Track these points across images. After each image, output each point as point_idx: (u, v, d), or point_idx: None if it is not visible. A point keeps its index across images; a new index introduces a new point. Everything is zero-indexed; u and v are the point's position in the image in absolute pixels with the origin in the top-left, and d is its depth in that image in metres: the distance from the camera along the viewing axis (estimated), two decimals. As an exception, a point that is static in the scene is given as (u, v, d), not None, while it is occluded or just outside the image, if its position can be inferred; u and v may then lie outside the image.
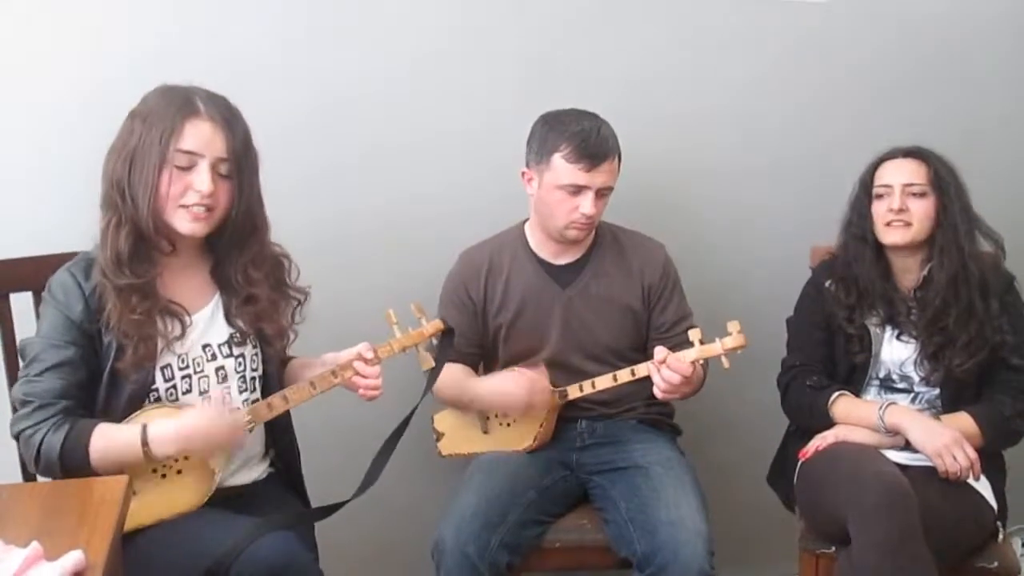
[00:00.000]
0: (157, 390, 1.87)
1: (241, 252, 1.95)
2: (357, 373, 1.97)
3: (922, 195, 2.24)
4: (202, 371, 1.92)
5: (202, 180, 1.83)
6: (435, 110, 2.56)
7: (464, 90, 2.57)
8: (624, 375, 2.24)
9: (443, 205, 2.59)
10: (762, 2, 2.65)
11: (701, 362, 2.16)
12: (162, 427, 1.78)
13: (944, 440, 2.10)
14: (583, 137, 2.23)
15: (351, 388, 2.00)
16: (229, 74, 2.28)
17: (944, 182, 2.24)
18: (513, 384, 2.28)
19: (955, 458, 2.08)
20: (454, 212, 2.59)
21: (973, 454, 2.10)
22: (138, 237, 1.84)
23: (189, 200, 1.84)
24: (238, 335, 1.97)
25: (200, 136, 1.83)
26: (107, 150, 1.86)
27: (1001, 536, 2.17)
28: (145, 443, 1.76)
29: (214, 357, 1.94)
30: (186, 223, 1.85)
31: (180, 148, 1.82)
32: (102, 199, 1.86)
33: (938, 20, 2.73)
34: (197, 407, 1.85)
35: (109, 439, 1.77)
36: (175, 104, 1.84)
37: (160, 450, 1.77)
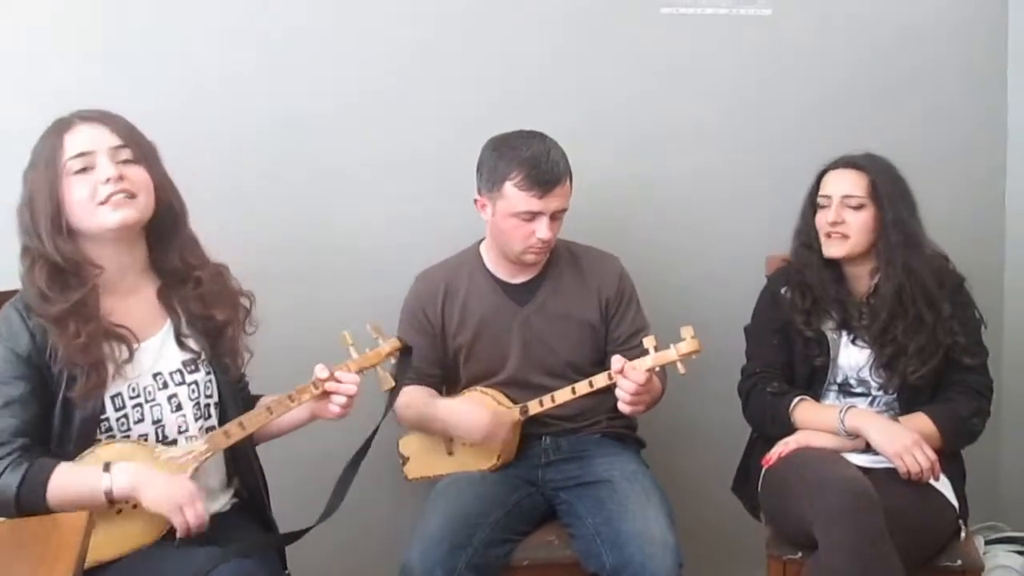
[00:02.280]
0: (108, 419, 1.85)
1: (172, 238, 1.94)
2: (315, 396, 1.95)
3: (859, 207, 2.25)
4: (154, 399, 1.90)
5: (105, 169, 1.82)
6: (392, 132, 2.57)
7: (421, 112, 2.58)
8: (583, 387, 2.23)
9: (399, 227, 2.59)
10: (708, 17, 2.68)
11: (657, 369, 2.16)
12: (127, 480, 1.76)
13: (904, 442, 2.12)
14: (534, 163, 2.22)
15: (317, 414, 2.00)
16: (185, 96, 2.37)
17: (882, 194, 2.24)
18: (476, 413, 2.27)
19: (915, 459, 2.10)
20: (410, 234, 2.59)
21: (932, 455, 2.12)
22: (53, 268, 1.82)
23: (102, 194, 1.82)
24: (191, 361, 1.95)
25: (83, 137, 1.84)
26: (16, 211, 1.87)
27: (963, 535, 2.19)
28: (110, 498, 1.75)
29: (165, 385, 1.92)
30: (112, 215, 1.82)
31: (68, 157, 1.82)
32: (20, 252, 1.86)
33: (884, 27, 2.78)
34: (162, 479, 1.80)
35: (68, 483, 1.75)
36: (51, 132, 1.86)
37: (122, 496, 1.76)
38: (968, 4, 2.85)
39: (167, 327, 1.95)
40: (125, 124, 1.88)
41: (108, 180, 1.81)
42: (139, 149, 1.87)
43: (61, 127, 1.85)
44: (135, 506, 1.80)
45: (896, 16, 2.78)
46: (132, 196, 1.83)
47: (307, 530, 1.96)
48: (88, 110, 1.88)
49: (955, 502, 2.18)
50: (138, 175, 1.85)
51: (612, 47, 2.66)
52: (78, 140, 1.83)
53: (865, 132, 2.57)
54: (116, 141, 1.84)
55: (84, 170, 1.82)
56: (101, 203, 1.82)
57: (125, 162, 1.85)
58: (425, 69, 2.57)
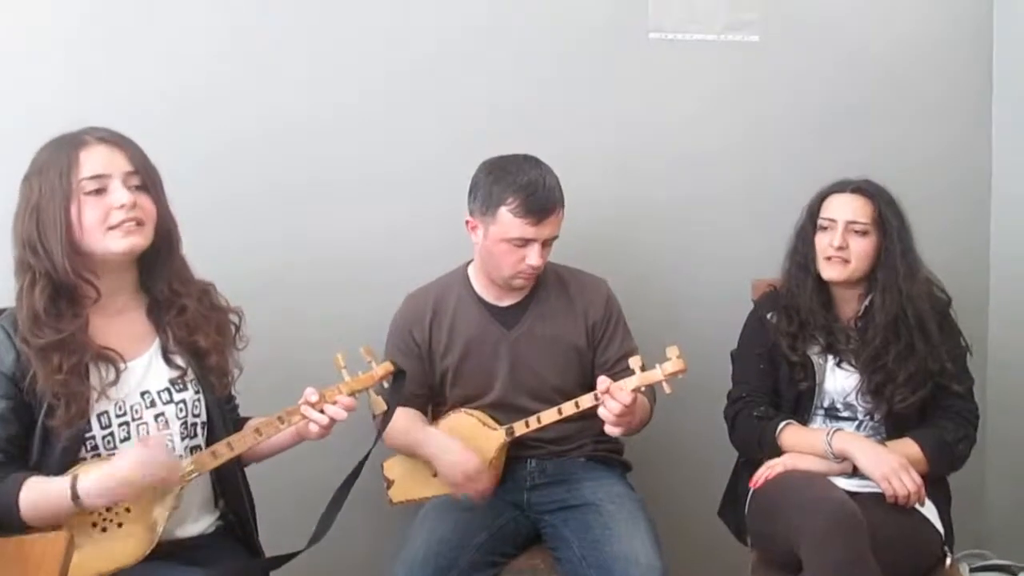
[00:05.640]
0: (94, 438, 1.84)
1: (165, 265, 1.94)
2: (306, 417, 1.94)
3: (864, 233, 2.26)
4: (140, 418, 1.89)
5: (120, 195, 1.83)
6: (381, 151, 2.58)
7: (413, 131, 2.59)
8: (568, 408, 2.21)
9: (388, 247, 2.60)
10: (696, 43, 2.70)
11: (643, 390, 2.15)
12: (90, 476, 1.74)
13: (891, 465, 2.12)
14: (530, 191, 2.22)
15: (300, 435, 1.99)
16: (175, 108, 2.38)
17: (887, 222, 2.26)
18: (461, 458, 2.25)
19: (902, 482, 2.10)
20: (399, 254, 2.60)
21: (919, 479, 2.12)
22: (55, 291, 1.82)
23: (115, 219, 1.82)
24: (178, 379, 1.94)
25: (99, 158, 1.84)
26: (12, 218, 1.86)
27: (949, 561, 2.19)
28: (75, 494, 1.72)
29: (153, 404, 1.91)
30: (121, 241, 1.84)
31: (84, 177, 1.82)
32: (16, 265, 1.85)
33: (870, 53, 2.81)
34: (126, 451, 1.80)
35: (39, 492, 1.74)
36: (63, 146, 1.85)
37: (91, 499, 1.74)
38: (954, 27, 2.88)
39: (155, 346, 1.95)
40: (138, 150, 1.89)
41: (122, 206, 1.82)
42: (149, 177, 1.88)
43: (76, 143, 1.84)
44: (120, 524, 1.80)
45: (881, 41, 2.81)
46: (141, 224, 1.85)
47: (294, 555, 1.94)
48: (101, 129, 1.88)
49: (940, 528, 2.19)
50: (147, 204, 1.86)
51: (601, 71, 2.68)
52: (94, 161, 1.83)
53: (853, 157, 2.59)
54: (129, 167, 1.85)
55: (97, 192, 1.82)
56: (111, 227, 1.82)
57: (136, 188, 1.85)
58: (417, 89, 2.58)
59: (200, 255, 2.02)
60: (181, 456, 1.91)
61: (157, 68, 2.41)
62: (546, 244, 2.28)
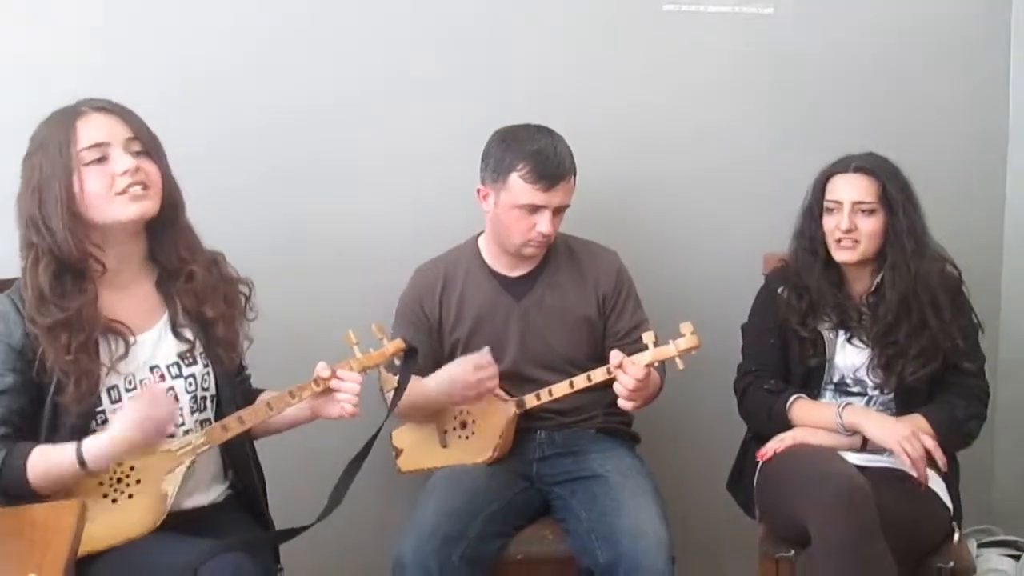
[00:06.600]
0: (104, 412, 1.84)
1: (171, 232, 1.93)
2: (315, 394, 1.94)
3: (871, 212, 2.24)
4: None
5: (123, 161, 1.81)
6: (393, 125, 2.56)
7: (423, 107, 2.57)
8: (580, 381, 2.22)
9: (399, 220, 2.59)
10: (710, 15, 2.68)
11: (656, 365, 2.16)
12: (95, 437, 1.75)
13: (902, 431, 2.12)
14: (541, 157, 2.23)
15: (319, 412, 1.98)
16: (181, 87, 2.37)
17: (893, 199, 2.23)
18: (459, 369, 2.23)
19: (915, 446, 2.10)
20: (411, 227, 2.59)
21: (932, 442, 2.12)
22: (59, 268, 1.81)
23: (120, 185, 1.81)
24: (187, 353, 1.94)
25: (98, 127, 1.82)
26: (15, 200, 1.85)
27: (957, 537, 2.18)
28: (81, 459, 1.72)
29: (163, 378, 1.91)
30: (129, 207, 1.82)
31: (83, 147, 1.80)
32: (21, 244, 1.84)
33: (886, 26, 2.77)
34: (123, 409, 1.80)
35: (47, 460, 1.75)
36: (60, 119, 1.83)
37: (96, 462, 1.74)
38: (972, 1, 2.84)
39: (164, 319, 1.95)
40: (135, 116, 1.88)
41: (126, 172, 1.81)
42: (150, 143, 1.87)
43: (71, 115, 1.83)
44: (130, 496, 1.81)
45: (898, 14, 2.77)
46: (147, 187, 1.83)
47: (305, 528, 1.94)
48: (96, 99, 1.86)
49: (949, 503, 2.18)
50: (151, 168, 1.85)
51: (614, 44, 2.66)
52: (92, 130, 1.81)
53: (866, 131, 2.56)
54: (129, 133, 1.84)
55: (99, 160, 1.81)
56: (119, 193, 1.81)
57: (137, 154, 1.84)
58: (426, 65, 2.56)
59: (211, 234, 2.01)
60: (191, 430, 1.91)
61: (159, 52, 2.40)
62: (557, 213, 2.28)
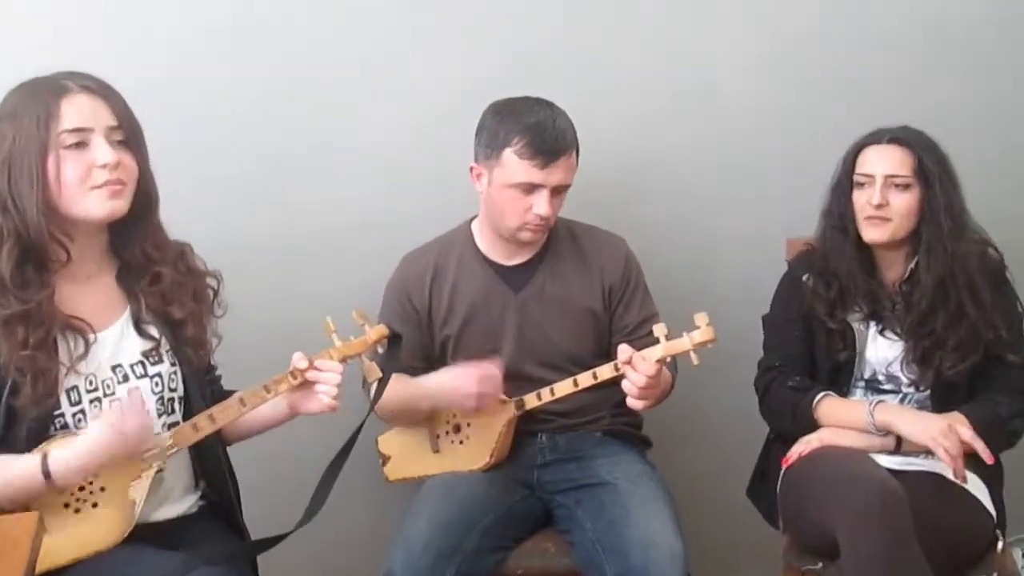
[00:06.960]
0: (63, 415, 1.77)
1: (140, 227, 1.86)
2: (293, 387, 1.89)
3: (905, 187, 2.17)
4: (113, 393, 1.82)
5: (103, 153, 1.74)
6: (376, 107, 2.50)
7: (407, 86, 2.51)
8: (585, 379, 2.16)
9: (384, 207, 2.53)
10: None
11: (668, 360, 2.09)
12: (62, 452, 1.69)
13: (939, 426, 2.05)
14: (537, 131, 2.16)
15: (297, 408, 1.94)
16: (158, 75, 2.31)
17: (930, 172, 2.17)
18: (462, 375, 2.19)
19: (954, 442, 2.02)
20: (395, 214, 2.53)
21: (971, 433, 2.05)
22: (24, 252, 1.73)
23: (98, 179, 1.74)
24: (152, 351, 1.87)
25: (82, 110, 1.74)
26: None
27: (1000, 546, 2.12)
28: (47, 472, 1.67)
29: (126, 378, 1.84)
30: (103, 204, 1.76)
31: (64, 129, 1.72)
32: None
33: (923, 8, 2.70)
34: (97, 421, 1.74)
35: (6, 471, 1.68)
36: (42, 91, 1.75)
37: (64, 477, 1.68)
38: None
39: (126, 315, 1.88)
40: (122, 101, 1.81)
41: (105, 165, 1.74)
42: (132, 132, 1.81)
43: (56, 89, 1.74)
44: (95, 505, 1.76)
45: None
46: (123, 185, 1.78)
47: (283, 536, 1.87)
48: (83, 75, 1.79)
49: (992, 509, 2.12)
50: (129, 162, 1.79)
51: (618, 13, 2.58)
52: (77, 112, 1.73)
53: (896, 101, 2.53)
54: (113, 121, 1.77)
55: (77, 146, 1.74)
56: (95, 187, 1.75)
57: (119, 144, 1.78)
58: (415, 44, 2.50)
59: (184, 227, 1.95)
60: (158, 434, 1.85)
61: (130, 40, 2.33)
62: (556, 193, 2.21)
